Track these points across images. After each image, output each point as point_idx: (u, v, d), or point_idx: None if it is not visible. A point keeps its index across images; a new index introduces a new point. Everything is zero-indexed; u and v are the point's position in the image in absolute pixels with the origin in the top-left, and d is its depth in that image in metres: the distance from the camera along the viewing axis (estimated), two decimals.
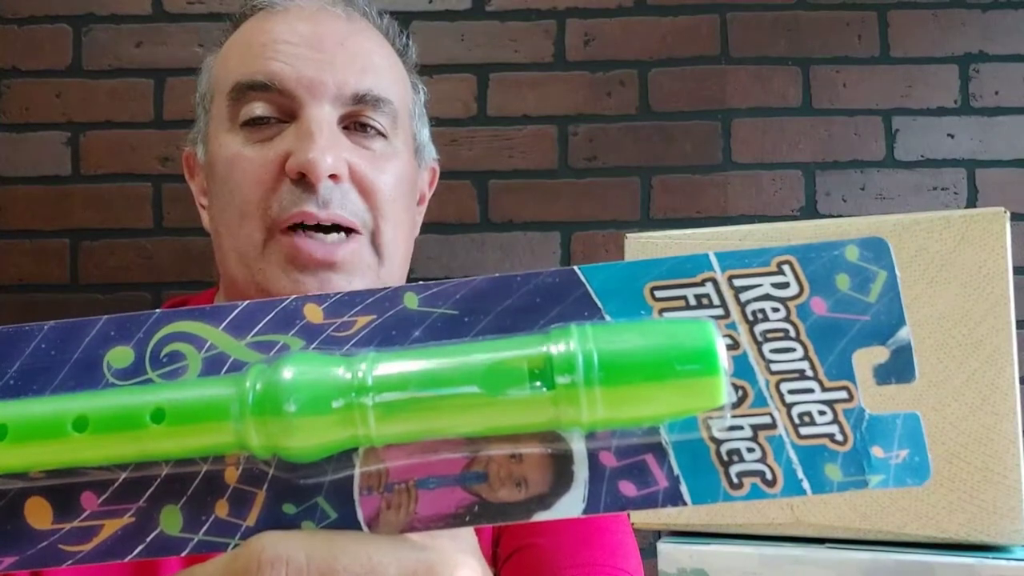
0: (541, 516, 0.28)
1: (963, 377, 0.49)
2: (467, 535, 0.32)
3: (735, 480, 0.29)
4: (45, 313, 1.13)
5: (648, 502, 0.29)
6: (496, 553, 0.63)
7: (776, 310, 0.29)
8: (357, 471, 0.29)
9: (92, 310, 1.13)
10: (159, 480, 0.29)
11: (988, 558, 0.47)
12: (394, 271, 0.64)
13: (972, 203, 1.16)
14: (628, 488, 0.29)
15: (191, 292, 0.78)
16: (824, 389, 0.29)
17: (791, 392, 0.29)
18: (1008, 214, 0.50)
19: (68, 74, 1.15)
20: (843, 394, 0.29)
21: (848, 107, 1.17)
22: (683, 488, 0.29)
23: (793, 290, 0.29)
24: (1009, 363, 0.49)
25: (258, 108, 0.61)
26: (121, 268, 1.14)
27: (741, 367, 0.29)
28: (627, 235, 0.61)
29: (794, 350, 0.29)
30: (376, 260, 0.62)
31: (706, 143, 1.17)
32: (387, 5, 1.15)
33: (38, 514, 0.29)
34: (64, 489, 0.29)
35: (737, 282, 0.29)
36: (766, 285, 0.29)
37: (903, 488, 0.30)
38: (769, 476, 0.29)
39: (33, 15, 1.16)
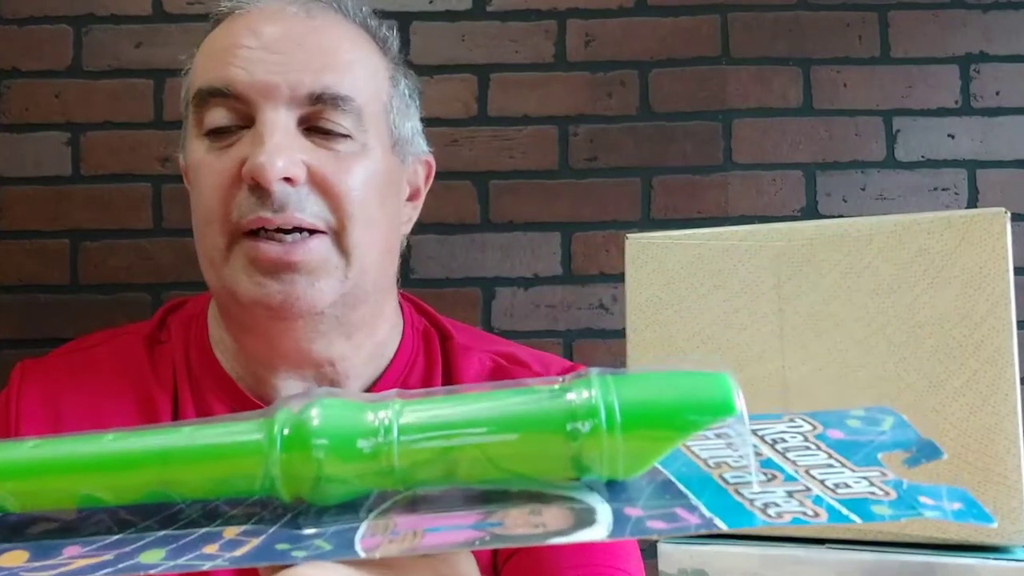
0: (558, 541, 0.27)
1: (964, 378, 0.49)
2: (464, 561, 0.31)
3: (773, 515, 0.28)
4: (46, 314, 1.13)
5: (680, 531, 0.28)
6: (496, 555, 0.63)
7: (794, 437, 0.31)
8: (364, 525, 0.29)
9: (92, 310, 1.13)
10: (153, 538, 0.29)
11: (988, 559, 0.47)
12: (366, 272, 0.62)
13: (973, 203, 1.16)
14: (657, 524, 0.28)
15: (191, 293, 0.77)
16: (855, 471, 0.29)
17: (822, 473, 0.29)
18: (1008, 215, 0.50)
19: (68, 74, 1.15)
20: (876, 472, 0.29)
21: (849, 108, 1.17)
22: (717, 522, 0.28)
23: (808, 428, 0.31)
24: (1010, 364, 0.48)
25: (219, 115, 0.61)
26: (121, 269, 1.14)
27: (767, 464, 0.30)
28: (627, 235, 0.61)
29: (817, 455, 0.30)
30: (343, 261, 0.60)
31: (706, 143, 1.17)
32: (387, 5, 1.16)
33: (12, 559, 0.29)
34: (50, 544, 0.29)
35: (753, 425, 0.31)
36: (782, 426, 0.31)
37: (965, 523, 0.30)
38: (810, 513, 0.28)
39: (33, 15, 1.15)
